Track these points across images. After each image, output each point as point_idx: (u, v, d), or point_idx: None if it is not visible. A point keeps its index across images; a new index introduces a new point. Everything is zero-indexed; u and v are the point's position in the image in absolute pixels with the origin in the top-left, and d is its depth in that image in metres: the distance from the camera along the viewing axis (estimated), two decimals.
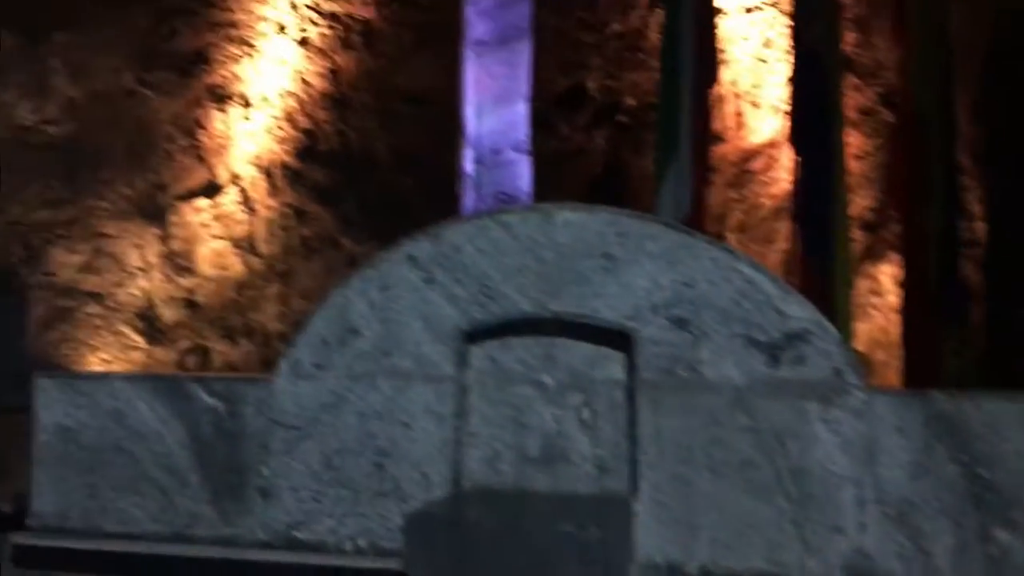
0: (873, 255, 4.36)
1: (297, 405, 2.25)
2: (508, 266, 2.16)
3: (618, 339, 2.10)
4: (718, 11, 3.88)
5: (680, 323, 2.07)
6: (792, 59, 3.55)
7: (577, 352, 2.15)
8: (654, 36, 4.85)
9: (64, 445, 2.38)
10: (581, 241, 2.12)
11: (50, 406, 2.40)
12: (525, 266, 2.15)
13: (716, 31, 3.78)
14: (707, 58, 3.58)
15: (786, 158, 4.65)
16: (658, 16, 4.89)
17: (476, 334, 2.18)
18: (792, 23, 3.60)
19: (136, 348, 5.10)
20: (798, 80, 3.49)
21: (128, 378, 2.39)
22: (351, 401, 2.23)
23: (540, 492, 2.11)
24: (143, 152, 5.14)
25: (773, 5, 4.57)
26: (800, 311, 2.03)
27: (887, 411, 1.98)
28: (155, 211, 5.12)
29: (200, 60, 5.22)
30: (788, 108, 3.59)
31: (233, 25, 5.20)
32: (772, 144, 4.70)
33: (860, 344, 3.92)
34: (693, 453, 2.04)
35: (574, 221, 2.13)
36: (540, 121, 4.94)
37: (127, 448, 2.33)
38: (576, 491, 2.10)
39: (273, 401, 2.26)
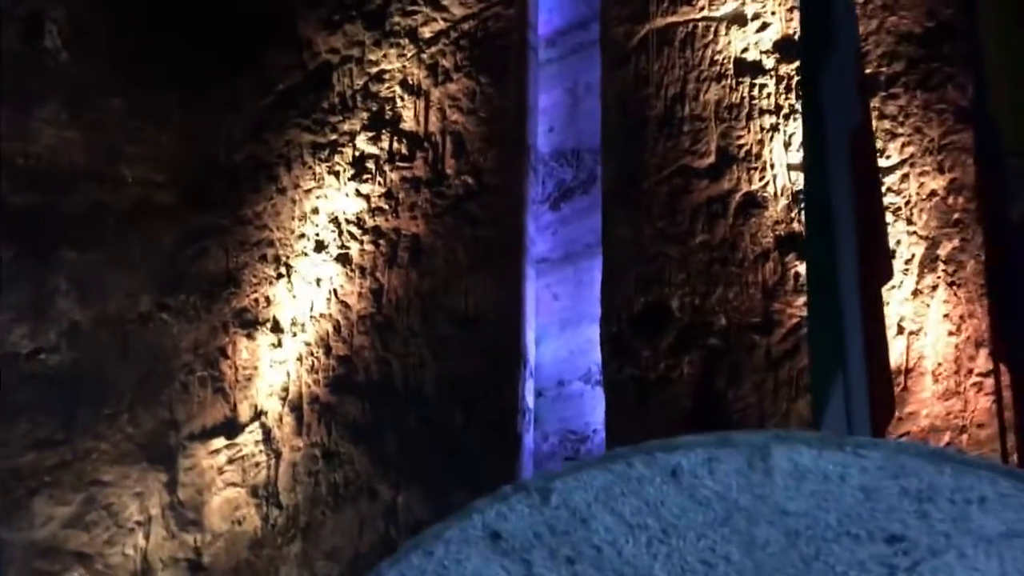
0: None
1: None
2: (683, 552, 1.04)
3: None
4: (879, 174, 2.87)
5: None
6: (983, 234, 2.55)
7: None
8: (747, 248, 3.95)
9: None
10: (833, 508, 1.01)
11: None
12: (718, 554, 1.03)
13: (883, 208, 2.76)
14: (874, 240, 2.54)
15: (923, 387, 3.60)
16: (750, 227, 4.01)
17: None
18: (981, 198, 2.61)
19: None
20: (1004, 258, 2.44)
21: None
22: None
23: None
24: (155, 385, 4.22)
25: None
26: None
27: None
28: (162, 453, 4.12)
29: (229, 282, 4.40)
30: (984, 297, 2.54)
31: (269, 244, 4.41)
32: (901, 371, 3.63)
33: None
34: None
35: (817, 469, 1.03)
36: (614, 346, 3.98)
37: None
38: None
39: None
